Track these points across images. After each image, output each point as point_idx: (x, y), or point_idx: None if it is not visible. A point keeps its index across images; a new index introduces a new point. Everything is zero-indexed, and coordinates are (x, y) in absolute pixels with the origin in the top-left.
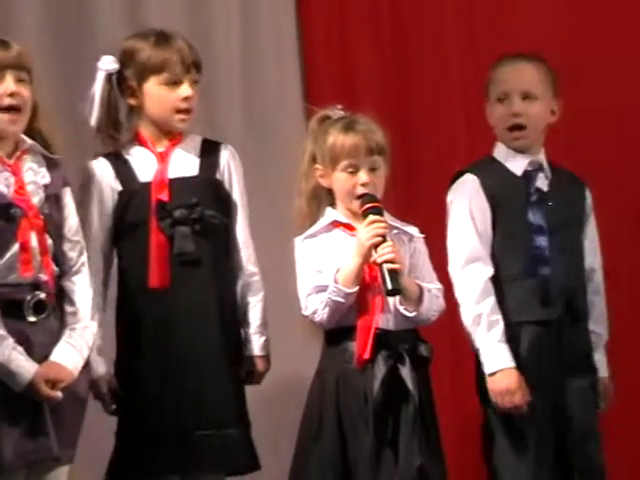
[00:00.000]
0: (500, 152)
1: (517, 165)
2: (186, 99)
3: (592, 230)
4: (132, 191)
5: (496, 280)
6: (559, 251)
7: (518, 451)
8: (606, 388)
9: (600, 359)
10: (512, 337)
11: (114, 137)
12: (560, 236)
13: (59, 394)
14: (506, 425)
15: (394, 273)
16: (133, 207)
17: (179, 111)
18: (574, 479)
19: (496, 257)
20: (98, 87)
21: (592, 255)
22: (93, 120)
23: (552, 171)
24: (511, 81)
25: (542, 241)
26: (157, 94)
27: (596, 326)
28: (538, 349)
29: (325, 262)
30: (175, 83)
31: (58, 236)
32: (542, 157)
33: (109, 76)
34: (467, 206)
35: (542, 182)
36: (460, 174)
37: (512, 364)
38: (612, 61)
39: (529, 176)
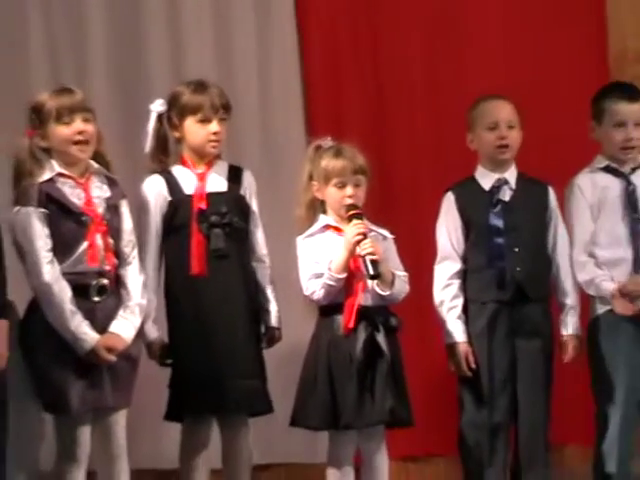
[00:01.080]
0: (478, 172)
1: (487, 181)
2: (215, 134)
3: (556, 225)
4: (179, 201)
5: (468, 270)
6: (516, 247)
7: (477, 399)
8: (564, 343)
9: (565, 321)
10: (478, 312)
11: (162, 161)
12: (517, 235)
13: (114, 358)
14: (470, 379)
15: (374, 262)
16: (179, 213)
17: (210, 141)
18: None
19: (468, 253)
20: (151, 124)
21: (555, 246)
22: (147, 149)
23: (520, 182)
24: (499, 113)
25: (499, 240)
26: (193, 129)
27: (561, 298)
28: (496, 321)
29: (321, 255)
30: (206, 121)
31: (117, 236)
32: (510, 172)
33: (159, 115)
34: (444, 217)
35: (505, 194)
36: (446, 191)
37: (462, 339)
38: (555, 96)
39: (494, 190)
